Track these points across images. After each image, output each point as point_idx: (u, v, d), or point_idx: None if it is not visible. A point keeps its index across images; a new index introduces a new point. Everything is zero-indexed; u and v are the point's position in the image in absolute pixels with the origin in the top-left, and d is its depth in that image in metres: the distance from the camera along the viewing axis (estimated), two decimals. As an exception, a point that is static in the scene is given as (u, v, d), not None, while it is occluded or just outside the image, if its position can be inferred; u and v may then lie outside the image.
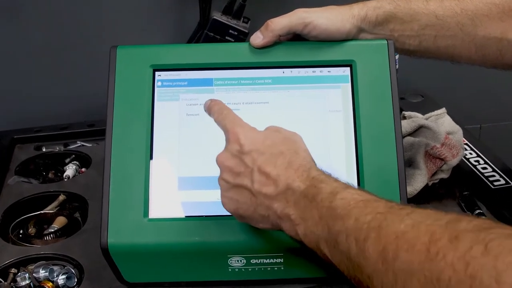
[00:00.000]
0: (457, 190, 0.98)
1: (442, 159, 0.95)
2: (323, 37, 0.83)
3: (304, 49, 0.84)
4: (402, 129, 0.83)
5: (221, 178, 0.71)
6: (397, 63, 0.84)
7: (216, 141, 0.80)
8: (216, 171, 0.79)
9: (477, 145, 1.09)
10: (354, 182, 0.79)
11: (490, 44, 0.84)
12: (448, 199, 0.97)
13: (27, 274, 0.86)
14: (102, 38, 1.21)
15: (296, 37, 0.85)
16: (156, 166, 0.80)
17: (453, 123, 1.02)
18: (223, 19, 1.15)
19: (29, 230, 0.97)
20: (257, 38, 0.83)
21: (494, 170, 1.02)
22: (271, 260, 0.79)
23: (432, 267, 0.47)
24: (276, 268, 0.80)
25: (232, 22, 1.16)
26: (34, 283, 0.85)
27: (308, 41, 0.84)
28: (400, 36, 0.85)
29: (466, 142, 1.08)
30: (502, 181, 1.00)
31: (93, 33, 1.26)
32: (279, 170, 0.66)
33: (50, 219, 0.99)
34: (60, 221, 0.97)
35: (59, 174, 1.11)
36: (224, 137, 0.73)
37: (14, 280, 0.86)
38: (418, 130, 0.98)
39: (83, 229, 0.94)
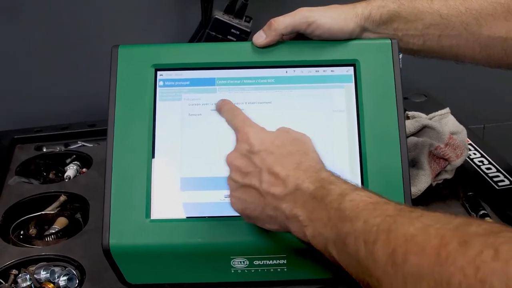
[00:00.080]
0: (461, 191, 0.98)
1: (446, 160, 0.95)
2: (327, 36, 0.82)
3: (307, 48, 0.83)
4: (406, 129, 0.82)
5: (230, 178, 0.70)
6: (400, 62, 0.83)
7: (219, 141, 0.80)
8: (218, 172, 0.79)
9: (481, 145, 1.09)
10: (358, 183, 0.78)
11: (495, 43, 0.83)
12: (452, 199, 0.97)
13: (28, 275, 0.85)
14: (102, 38, 1.21)
15: (299, 36, 0.84)
16: (158, 166, 0.80)
17: (457, 123, 1.01)
18: (225, 18, 1.15)
19: (30, 231, 0.96)
20: (260, 37, 0.82)
21: (498, 171, 1.02)
22: (274, 261, 0.79)
23: (442, 271, 0.47)
24: (279, 270, 0.79)
25: (234, 21, 1.15)
26: (35, 284, 0.84)
27: (311, 40, 0.84)
28: (404, 35, 0.84)
29: (470, 142, 1.08)
30: (507, 182, 0.99)
31: (93, 33, 1.25)
32: (288, 170, 0.65)
33: (51, 220, 0.98)
34: (61, 222, 0.97)
35: (60, 174, 1.11)
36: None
37: (15, 282, 0.85)
38: (421, 130, 0.98)
39: (84, 230, 0.94)
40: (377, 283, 0.53)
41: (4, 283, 0.85)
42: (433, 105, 1.16)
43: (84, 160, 1.12)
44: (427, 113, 1.05)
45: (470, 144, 1.07)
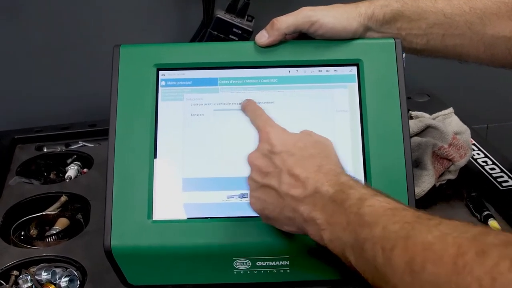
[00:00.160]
0: (464, 191, 0.97)
1: (449, 160, 0.94)
2: (329, 35, 0.82)
3: (310, 48, 0.83)
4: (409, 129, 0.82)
5: (250, 177, 0.70)
6: (404, 62, 0.83)
7: (221, 141, 0.80)
8: (220, 172, 0.79)
9: (485, 145, 1.08)
10: (361, 183, 0.78)
11: (499, 43, 0.83)
12: (456, 200, 0.96)
13: (29, 277, 0.85)
14: (102, 38, 1.20)
15: (302, 36, 0.84)
16: (160, 167, 0.79)
17: (460, 123, 1.01)
18: (227, 17, 1.14)
19: (31, 231, 0.96)
20: (263, 37, 0.82)
21: (502, 171, 1.01)
22: (277, 263, 0.78)
23: (459, 281, 0.47)
24: (282, 271, 0.79)
25: (236, 21, 1.15)
26: (36, 285, 0.84)
27: (314, 40, 0.83)
28: (407, 34, 0.84)
29: (474, 142, 1.07)
30: (511, 182, 0.98)
31: (93, 33, 1.25)
32: (308, 173, 0.65)
33: (52, 220, 0.98)
34: (62, 223, 0.97)
35: (60, 174, 1.10)
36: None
37: (16, 283, 0.85)
38: (425, 130, 0.97)
39: (86, 231, 0.93)
40: None
41: (5, 284, 0.85)
42: (436, 105, 1.15)
43: (85, 160, 1.12)
44: (430, 113, 1.04)
45: (473, 144, 1.07)
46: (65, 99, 1.30)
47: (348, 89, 0.82)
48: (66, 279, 0.84)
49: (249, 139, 0.78)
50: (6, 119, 1.26)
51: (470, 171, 1.01)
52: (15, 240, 0.93)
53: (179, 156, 0.80)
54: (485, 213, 0.91)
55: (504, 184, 0.98)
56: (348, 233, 0.60)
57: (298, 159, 0.66)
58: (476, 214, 0.92)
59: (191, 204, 0.79)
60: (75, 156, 1.13)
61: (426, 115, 1.03)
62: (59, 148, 1.17)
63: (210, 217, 0.78)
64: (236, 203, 0.78)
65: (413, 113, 1.03)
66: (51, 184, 1.07)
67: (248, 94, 0.81)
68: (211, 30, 1.15)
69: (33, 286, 0.84)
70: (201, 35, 1.20)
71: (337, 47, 0.83)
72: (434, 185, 0.93)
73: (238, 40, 1.14)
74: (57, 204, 1.00)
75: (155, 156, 0.79)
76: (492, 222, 0.89)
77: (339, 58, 0.83)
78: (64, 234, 0.95)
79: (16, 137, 1.18)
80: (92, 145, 1.17)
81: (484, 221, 0.90)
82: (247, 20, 1.16)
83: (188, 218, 0.78)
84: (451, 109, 1.04)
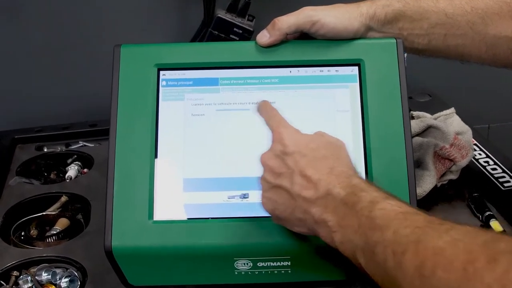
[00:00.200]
0: (466, 192, 0.97)
1: (451, 160, 0.94)
2: (331, 35, 0.82)
3: (311, 48, 0.83)
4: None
5: (262, 178, 0.70)
6: (405, 62, 0.83)
7: (222, 142, 0.80)
8: (221, 173, 0.79)
9: (486, 145, 1.08)
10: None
11: (501, 43, 0.83)
12: (457, 200, 0.96)
13: (30, 277, 0.85)
14: (102, 38, 1.20)
15: (303, 36, 0.84)
16: (160, 167, 0.79)
17: (462, 123, 1.01)
18: (228, 17, 1.14)
19: (31, 232, 0.96)
20: (264, 37, 0.81)
21: (504, 171, 1.01)
22: (278, 263, 0.78)
23: (469, 287, 0.47)
24: (283, 271, 0.79)
25: (237, 20, 1.14)
26: (36, 286, 0.84)
27: (315, 39, 0.83)
28: (409, 34, 0.83)
29: (475, 142, 1.07)
30: (513, 183, 0.98)
31: (93, 33, 1.25)
32: (321, 174, 0.65)
33: (52, 220, 0.98)
34: (62, 223, 0.96)
35: (61, 174, 1.10)
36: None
37: (16, 283, 0.85)
38: (426, 130, 0.97)
39: (86, 231, 0.93)
40: None
41: (5, 284, 0.84)
42: (438, 105, 1.15)
43: (85, 160, 1.11)
44: (432, 113, 1.04)
45: (475, 145, 1.07)
46: (65, 99, 1.30)
47: (350, 89, 0.82)
48: (67, 279, 0.84)
49: (249, 139, 0.79)
50: (6, 119, 1.26)
51: (472, 171, 1.01)
52: (15, 241, 0.93)
53: (180, 156, 0.80)
54: (487, 213, 0.91)
55: (506, 185, 0.98)
56: (359, 235, 0.59)
57: (310, 160, 0.66)
58: (478, 214, 0.92)
59: (192, 204, 0.78)
60: (76, 156, 1.13)
61: (428, 115, 1.03)
62: (59, 148, 1.17)
63: (211, 218, 0.78)
64: (237, 204, 0.78)
65: (415, 113, 1.03)
66: (51, 184, 1.07)
67: (249, 94, 0.81)
68: (212, 30, 1.15)
69: (33, 287, 0.84)
70: (201, 35, 1.20)
71: (339, 47, 0.82)
72: (436, 185, 0.93)
73: (239, 40, 1.13)
74: (57, 204, 1.00)
75: (155, 156, 0.79)
76: (494, 223, 0.89)
77: (341, 58, 0.82)
78: (65, 235, 0.95)
79: (16, 137, 1.18)
80: (93, 145, 1.17)
81: (486, 221, 0.90)
82: (248, 19, 1.16)
83: (189, 219, 0.78)
84: (452, 109, 1.04)
